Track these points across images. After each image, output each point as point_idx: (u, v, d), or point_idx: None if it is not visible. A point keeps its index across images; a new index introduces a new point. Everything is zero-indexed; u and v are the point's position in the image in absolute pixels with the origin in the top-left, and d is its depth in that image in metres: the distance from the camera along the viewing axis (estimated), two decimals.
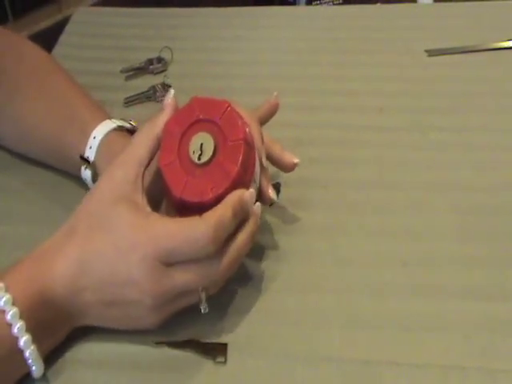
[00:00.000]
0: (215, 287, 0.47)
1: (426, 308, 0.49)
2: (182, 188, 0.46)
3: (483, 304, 0.49)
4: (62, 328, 0.46)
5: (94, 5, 1.94)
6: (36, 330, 0.42)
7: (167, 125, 0.48)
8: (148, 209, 0.46)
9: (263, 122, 0.57)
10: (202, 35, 0.86)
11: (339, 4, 2.02)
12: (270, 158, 0.54)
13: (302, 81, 0.75)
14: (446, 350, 0.46)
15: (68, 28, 0.89)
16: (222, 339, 0.47)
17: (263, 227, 0.56)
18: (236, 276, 0.52)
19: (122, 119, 0.58)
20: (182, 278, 0.44)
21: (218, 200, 0.45)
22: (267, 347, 0.47)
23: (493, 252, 0.53)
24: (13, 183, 0.63)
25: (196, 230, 0.43)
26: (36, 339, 0.42)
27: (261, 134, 0.51)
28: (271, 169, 0.54)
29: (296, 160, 0.55)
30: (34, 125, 0.60)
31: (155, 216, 0.45)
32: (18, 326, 0.41)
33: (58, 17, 1.98)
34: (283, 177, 0.59)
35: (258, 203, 0.47)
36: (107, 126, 0.56)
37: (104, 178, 0.47)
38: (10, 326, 0.41)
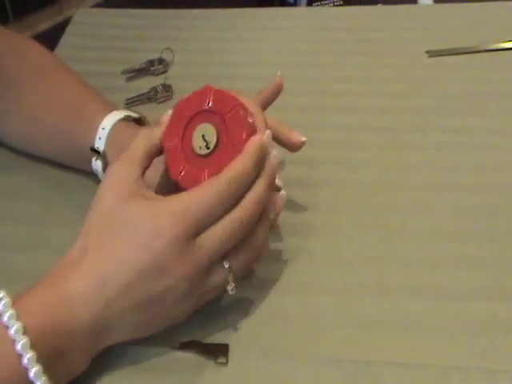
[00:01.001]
0: (240, 260, 0.46)
1: (427, 308, 0.49)
2: (180, 173, 0.47)
3: (484, 304, 0.49)
4: (79, 355, 0.43)
5: (95, 6, 1.94)
6: (49, 360, 0.40)
7: (178, 106, 0.48)
8: (158, 196, 0.45)
9: (269, 102, 0.58)
10: (202, 36, 0.86)
11: (340, 5, 2.03)
12: (277, 139, 0.55)
13: (302, 81, 0.75)
14: (446, 351, 0.46)
15: (69, 29, 0.89)
16: (223, 340, 0.47)
17: None
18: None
19: (129, 109, 0.59)
20: (211, 241, 0.43)
21: None
22: (268, 348, 0.47)
23: (493, 253, 0.53)
24: (14, 183, 0.63)
25: (217, 190, 0.43)
26: (48, 369, 0.40)
27: (265, 123, 0.51)
28: None
29: (303, 138, 0.56)
30: (42, 120, 0.61)
31: (168, 197, 0.44)
32: (28, 357, 0.39)
33: (59, 18, 1.99)
34: (283, 178, 0.59)
35: (274, 151, 0.47)
36: (115, 116, 0.57)
37: (105, 184, 0.46)
38: (20, 356, 0.39)
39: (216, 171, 0.45)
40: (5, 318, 0.39)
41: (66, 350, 0.41)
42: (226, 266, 0.45)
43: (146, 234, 0.42)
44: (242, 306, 0.50)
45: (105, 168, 0.57)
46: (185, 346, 0.47)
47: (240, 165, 0.44)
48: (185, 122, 0.48)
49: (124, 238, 0.43)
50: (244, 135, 0.46)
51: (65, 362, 0.42)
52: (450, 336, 0.47)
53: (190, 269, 0.42)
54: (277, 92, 0.58)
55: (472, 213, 0.57)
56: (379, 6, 0.95)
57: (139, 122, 0.60)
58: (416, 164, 0.63)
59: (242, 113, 0.46)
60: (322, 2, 2.06)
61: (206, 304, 0.47)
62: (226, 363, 0.46)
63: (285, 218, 0.57)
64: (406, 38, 0.83)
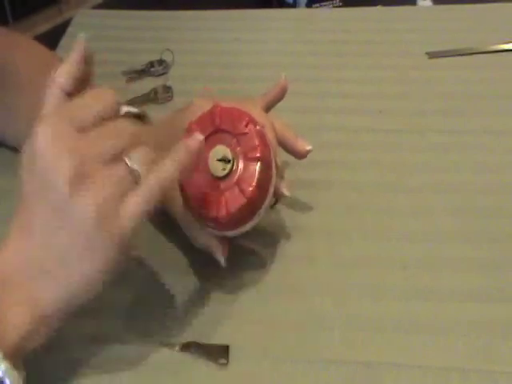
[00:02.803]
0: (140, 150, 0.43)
1: (427, 310, 0.49)
2: (198, 198, 0.47)
3: (484, 306, 0.49)
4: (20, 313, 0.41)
5: (95, 7, 1.94)
6: None
7: (190, 128, 0.49)
8: None
9: (273, 104, 0.58)
10: (202, 38, 0.86)
11: (339, 6, 2.03)
12: (282, 144, 0.55)
13: (302, 83, 0.75)
14: (445, 352, 0.46)
15: (69, 31, 0.89)
16: (224, 341, 0.47)
17: (264, 229, 0.56)
18: (237, 277, 0.52)
19: (129, 105, 0.59)
20: (97, 135, 0.42)
21: (231, 218, 0.46)
22: (269, 349, 0.47)
23: (493, 254, 0.53)
24: (14, 184, 0.63)
25: (102, 88, 0.44)
26: None
27: (274, 132, 0.52)
28: None
29: (309, 147, 0.56)
30: None
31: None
32: None
33: (59, 19, 1.98)
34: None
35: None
36: None
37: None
38: None
39: (235, 192, 0.46)
40: None
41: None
42: (127, 160, 0.42)
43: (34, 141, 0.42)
44: (243, 308, 0.50)
45: None
46: (185, 347, 0.47)
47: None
48: None
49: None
50: (258, 153, 0.46)
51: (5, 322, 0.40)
52: (449, 337, 0.47)
53: (71, 161, 0.40)
54: (282, 94, 0.58)
55: (471, 214, 0.57)
56: (378, 7, 0.95)
57: (139, 117, 0.60)
58: (415, 165, 0.63)
59: (253, 129, 0.47)
60: (322, 4, 2.06)
61: (206, 305, 0.47)
62: (227, 364, 0.46)
63: (285, 219, 0.57)
64: (406, 39, 0.83)
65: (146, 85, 0.75)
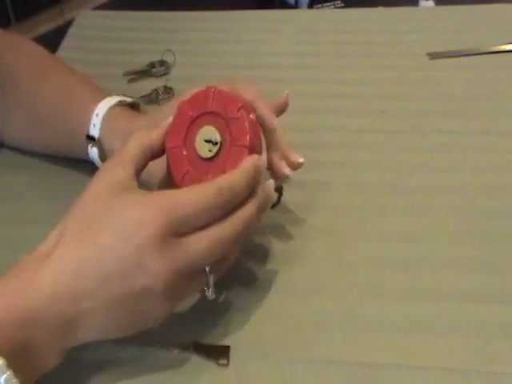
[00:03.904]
0: (221, 268, 0.45)
1: (427, 310, 0.49)
2: (182, 176, 0.46)
3: (485, 307, 0.49)
4: (47, 350, 0.40)
5: (96, 8, 1.95)
6: (13, 352, 0.38)
7: (181, 106, 0.48)
8: (148, 191, 0.44)
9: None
10: (204, 38, 0.86)
11: (341, 7, 2.03)
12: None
13: (303, 84, 0.75)
14: (447, 353, 0.46)
15: (70, 31, 0.89)
16: (225, 341, 0.47)
17: (264, 229, 0.56)
18: (238, 278, 0.52)
19: (123, 94, 0.59)
20: (194, 246, 0.41)
21: None
22: (269, 349, 0.47)
23: (494, 255, 0.53)
24: (15, 185, 0.63)
25: (207, 194, 0.42)
26: (13, 363, 0.37)
27: (271, 114, 0.51)
28: None
29: (301, 159, 0.53)
30: (43, 114, 0.61)
31: (157, 191, 0.44)
32: None
33: (60, 20, 1.99)
34: (284, 180, 0.59)
35: (270, 180, 0.47)
36: (108, 102, 0.57)
37: (94, 179, 0.45)
38: None
39: (219, 175, 0.45)
40: None
41: (32, 344, 0.39)
42: (207, 270, 0.43)
43: (129, 224, 0.40)
44: (243, 308, 0.50)
45: (101, 154, 0.57)
46: (186, 348, 0.47)
47: (233, 177, 0.44)
48: (187, 123, 0.47)
49: (106, 226, 0.41)
50: (247, 140, 0.45)
51: (31, 356, 0.40)
52: (450, 338, 0.47)
53: (169, 269, 0.40)
54: (282, 110, 0.56)
55: (472, 214, 0.57)
56: (380, 8, 0.95)
57: (133, 106, 0.60)
58: (416, 166, 0.63)
59: (245, 116, 0.46)
60: (323, 5, 2.06)
61: (206, 305, 0.47)
62: (227, 365, 0.46)
63: (285, 220, 0.57)
64: (407, 40, 0.83)
65: (147, 85, 0.76)
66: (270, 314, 0.50)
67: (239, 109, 0.46)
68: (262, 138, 0.49)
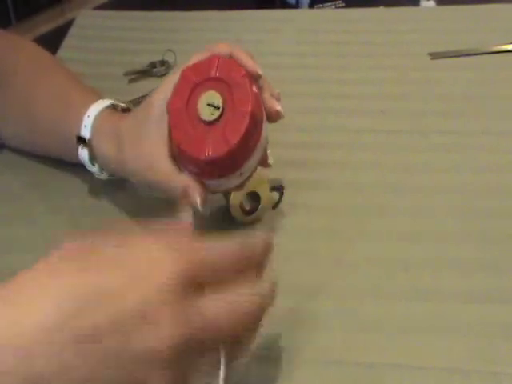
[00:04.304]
0: (235, 352, 0.38)
1: (428, 311, 0.49)
2: (182, 137, 0.47)
3: (485, 307, 0.49)
4: None
5: (97, 8, 1.95)
6: None
7: (185, 71, 0.48)
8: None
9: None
10: (204, 38, 0.86)
11: (341, 7, 2.03)
12: None
13: (304, 84, 0.75)
14: (447, 353, 0.46)
15: (71, 31, 0.89)
16: None
17: (264, 229, 0.56)
18: None
19: (116, 98, 0.59)
20: (212, 310, 0.35)
21: (212, 163, 0.46)
22: (269, 350, 0.47)
23: (495, 255, 0.53)
24: (15, 185, 0.63)
25: (229, 244, 0.38)
26: None
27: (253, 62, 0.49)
28: (273, 173, 0.54)
29: (278, 107, 0.50)
30: (37, 113, 0.61)
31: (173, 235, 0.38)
32: None
33: (61, 20, 1.99)
34: (285, 180, 0.59)
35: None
36: (100, 104, 0.57)
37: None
38: None
39: (220, 139, 0.45)
40: None
41: None
42: (221, 348, 0.36)
43: (141, 260, 0.34)
44: None
45: (91, 156, 0.56)
46: None
47: (254, 240, 0.40)
48: (191, 87, 0.47)
49: (114, 257, 0.34)
50: (249, 106, 0.46)
51: None
52: (450, 338, 0.47)
53: (181, 328, 0.33)
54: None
55: (473, 215, 0.57)
56: (381, 8, 0.95)
57: (126, 110, 0.60)
58: (416, 166, 0.63)
59: (248, 83, 0.46)
60: (324, 4, 2.06)
61: None
62: None
63: (285, 220, 0.57)
64: (408, 40, 0.83)
65: (148, 85, 0.75)
66: (270, 315, 0.50)
67: (243, 76, 0.47)
68: (264, 114, 0.49)
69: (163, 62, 0.79)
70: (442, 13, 0.92)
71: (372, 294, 0.51)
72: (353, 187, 0.61)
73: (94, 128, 0.56)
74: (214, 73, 0.47)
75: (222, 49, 0.49)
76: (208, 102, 0.46)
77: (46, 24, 1.96)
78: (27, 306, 0.32)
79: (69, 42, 0.87)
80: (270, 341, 0.48)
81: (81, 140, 0.56)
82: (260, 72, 0.49)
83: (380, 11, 0.95)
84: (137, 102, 0.73)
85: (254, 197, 0.56)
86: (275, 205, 0.58)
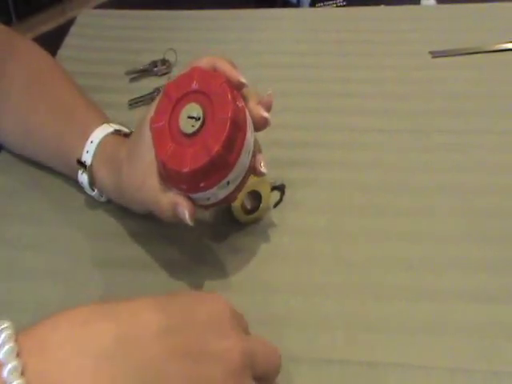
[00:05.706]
0: None
1: (430, 310, 0.49)
2: (165, 155, 0.46)
3: (488, 307, 0.49)
4: None
5: (98, 7, 1.95)
6: None
7: (167, 87, 0.48)
8: None
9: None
10: (205, 37, 0.86)
11: (342, 6, 2.03)
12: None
13: (305, 83, 0.75)
14: (450, 353, 0.46)
15: (72, 30, 0.89)
16: None
17: (264, 229, 0.56)
18: (237, 277, 0.52)
19: (119, 123, 0.58)
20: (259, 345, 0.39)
21: (195, 174, 0.45)
22: None
23: (497, 254, 0.53)
24: (14, 185, 0.63)
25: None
26: None
27: (234, 70, 0.49)
28: (274, 172, 0.54)
29: (265, 114, 0.49)
30: (36, 127, 0.60)
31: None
32: None
33: (62, 19, 1.99)
34: (286, 179, 0.59)
35: None
36: (104, 130, 0.56)
37: None
38: None
39: (201, 149, 0.45)
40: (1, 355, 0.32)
41: None
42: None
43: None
44: (243, 308, 0.50)
45: (90, 182, 0.56)
46: None
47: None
48: (172, 103, 0.47)
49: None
50: (229, 112, 0.45)
51: None
52: (453, 338, 0.47)
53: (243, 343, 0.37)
54: (267, 109, 0.51)
55: (475, 214, 0.57)
56: (382, 6, 0.95)
57: (128, 136, 0.59)
58: (419, 165, 0.63)
59: (227, 90, 0.46)
60: (325, 3, 2.06)
61: None
62: None
63: (286, 219, 0.57)
64: (409, 38, 0.82)
65: (149, 84, 0.76)
66: (270, 314, 0.50)
67: (221, 84, 0.46)
68: (248, 118, 0.48)
69: (164, 61, 0.79)
70: (443, 11, 0.92)
71: (373, 294, 0.51)
72: (354, 186, 0.61)
73: (96, 155, 0.55)
74: (194, 85, 0.47)
75: (205, 62, 0.49)
76: (188, 115, 0.46)
77: (46, 23, 1.96)
78: None
79: (70, 41, 0.87)
80: (272, 340, 0.48)
81: (81, 164, 0.56)
82: (243, 80, 0.49)
83: (381, 10, 0.94)
84: (138, 100, 0.73)
85: (255, 196, 0.56)
86: (276, 204, 0.58)
